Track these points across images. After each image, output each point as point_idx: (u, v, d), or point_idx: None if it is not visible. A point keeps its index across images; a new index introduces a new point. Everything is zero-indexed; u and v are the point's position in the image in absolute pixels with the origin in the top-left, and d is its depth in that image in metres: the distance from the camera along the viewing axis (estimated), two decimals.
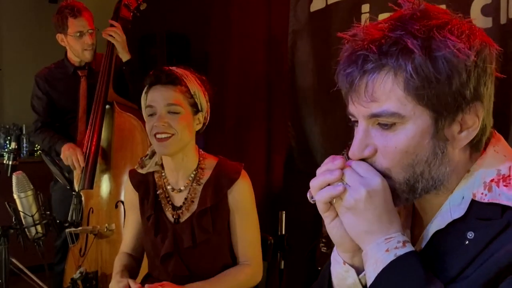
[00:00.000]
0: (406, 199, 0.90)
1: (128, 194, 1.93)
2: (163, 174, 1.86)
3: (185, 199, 1.82)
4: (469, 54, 0.81)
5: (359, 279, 0.95)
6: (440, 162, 0.86)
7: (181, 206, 1.82)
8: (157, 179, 1.86)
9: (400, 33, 0.82)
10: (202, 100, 1.80)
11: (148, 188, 1.86)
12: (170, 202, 1.83)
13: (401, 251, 0.85)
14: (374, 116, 0.85)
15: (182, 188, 1.83)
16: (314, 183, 0.90)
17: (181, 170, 1.82)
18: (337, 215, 0.92)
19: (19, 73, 4.84)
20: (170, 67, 1.81)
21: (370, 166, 0.87)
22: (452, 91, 0.82)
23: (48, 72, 3.09)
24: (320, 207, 0.92)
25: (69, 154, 2.79)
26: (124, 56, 2.86)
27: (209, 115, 1.85)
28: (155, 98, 1.75)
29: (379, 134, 0.87)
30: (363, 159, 0.88)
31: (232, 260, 1.83)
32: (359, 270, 0.95)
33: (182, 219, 1.80)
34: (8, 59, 4.94)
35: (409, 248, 0.86)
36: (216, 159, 1.86)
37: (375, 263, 0.86)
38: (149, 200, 1.84)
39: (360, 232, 0.88)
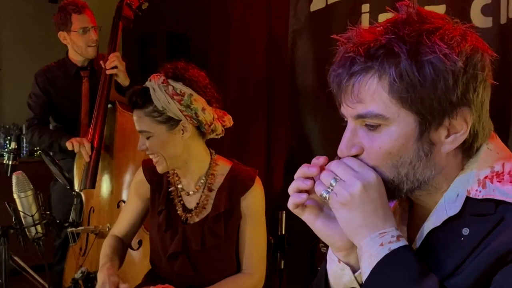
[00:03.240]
0: (392, 196, 0.91)
1: (138, 183, 1.91)
2: (175, 172, 1.86)
3: (197, 204, 1.81)
4: (455, 60, 0.82)
5: (355, 277, 0.96)
6: (424, 165, 0.88)
7: (191, 210, 1.81)
8: (170, 177, 1.86)
9: (390, 37, 0.84)
10: (175, 109, 1.68)
11: (161, 182, 1.86)
12: (181, 202, 1.83)
13: (395, 245, 0.86)
14: (360, 117, 0.88)
15: (191, 192, 1.82)
16: (290, 190, 0.94)
17: (188, 174, 1.81)
18: (317, 217, 0.95)
19: (19, 73, 4.84)
20: (150, 78, 1.73)
21: (362, 162, 0.89)
22: (438, 96, 0.83)
23: (49, 71, 3.05)
24: (294, 211, 0.95)
25: (78, 143, 2.75)
26: (125, 83, 2.83)
27: (203, 114, 1.72)
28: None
29: (365, 134, 0.89)
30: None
31: (237, 265, 1.83)
32: (354, 268, 0.96)
33: (191, 221, 1.80)
34: (8, 59, 4.94)
35: (403, 242, 0.87)
36: (230, 164, 1.84)
37: (370, 258, 0.86)
38: (161, 195, 1.84)
39: (355, 227, 0.88)
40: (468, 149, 0.90)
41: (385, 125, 0.86)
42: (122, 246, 1.92)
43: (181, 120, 1.72)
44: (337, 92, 0.90)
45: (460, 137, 0.87)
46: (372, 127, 0.88)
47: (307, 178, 0.92)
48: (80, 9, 2.89)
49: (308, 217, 0.95)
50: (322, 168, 0.92)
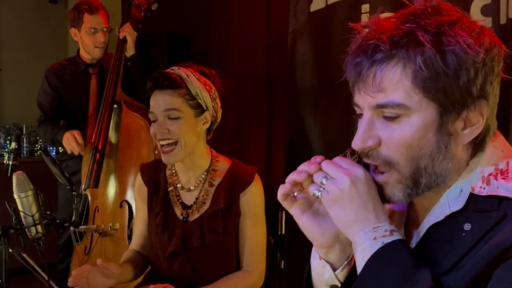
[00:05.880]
0: (408, 195, 0.90)
1: (138, 189, 1.92)
2: (174, 171, 1.86)
3: (196, 199, 1.81)
4: (478, 51, 0.82)
5: (336, 275, 0.97)
6: (443, 157, 0.87)
7: (191, 206, 1.81)
8: (168, 176, 1.86)
9: (412, 26, 0.83)
10: (207, 98, 1.75)
11: (158, 184, 1.86)
12: (180, 200, 1.83)
13: (388, 239, 0.86)
14: (380, 106, 0.86)
15: (192, 187, 1.82)
16: (285, 181, 0.95)
17: (190, 169, 1.82)
18: (304, 212, 0.96)
19: (19, 73, 4.84)
20: (172, 68, 1.77)
21: (351, 160, 0.91)
22: (459, 87, 0.83)
23: (59, 68, 3.12)
24: (283, 203, 0.97)
25: (69, 138, 2.82)
26: (130, 51, 2.91)
27: (220, 111, 1.82)
28: (154, 103, 1.74)
29: (383, 126, 0.88)
30: (372, 152, 0.90)
31: (236, 263, 1.83)
32: (334, 267, 0.98)
33: (191, 218, 1.80)
34: (8, 59, 4.94)
35: (396, 236, 0.87)
36: (229, 162, 1.85)
37: (363, 251, 0.87)
38: (158, 196, 1.84)
39: (347, 222, 0.89)
40: (479, 143, 0.90)
41: (406, 115, 0.85)
42: (139, 256, 1.90)
43: (205, 111, 1.76)
44: (355, 80, 0.88)
45: (476, 130, 0.87)
46: (391, 118, 0.86)
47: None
48: (93, 9, 2.94)
49: (296, 211, 0.97)
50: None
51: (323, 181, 0.90)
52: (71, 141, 2.82)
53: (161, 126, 1.72)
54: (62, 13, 4.83)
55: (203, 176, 1.82)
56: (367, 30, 0.87)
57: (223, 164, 1.84)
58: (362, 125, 0.89)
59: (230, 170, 1.82)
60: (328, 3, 2.79)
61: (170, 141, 1.72)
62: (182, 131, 1.72)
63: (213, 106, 1.78)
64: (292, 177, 0.94)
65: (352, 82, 0.90)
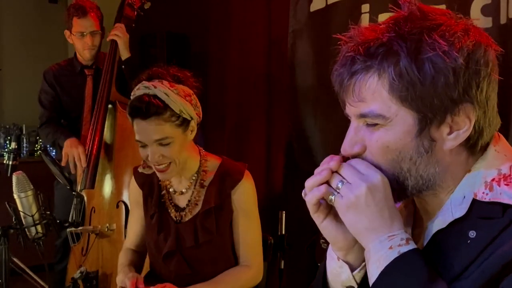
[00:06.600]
0: (397, 197, 0.90)
1: (133, 191, 1.93)
2: None
3: (189, 201, 1.82)
4: (456, 57, 0.81)
5: (353, 276, 0.96)
6: (426, 161, 0.87)
7: (184, 208, 1.82)
8: (161, 181, 1.86)
9: (391, 35, 0.84)
10: (190, 110, 1.69)
11: (152, 187, 1.87)
12: (173, 204, 1.84)
13: (404, 248, 0.85)
14: (363, 116, 0.88)
15: (183, 190, 1.83)
16: (308, 183, 0.92)
17: (182, 174, 1.82)
18: (326, 215, 0.94)
19: (19, 73, 4.84)
20: (147, 87, 1.66)
21: (369, 164, 0.89)
22: (438, 93, 0.83)
23: (57, 68, 3.14)
24: (309, 208, 0.94)
25: (70, 152, 2.80)
26: (124, 54, 2.89)
27: (200, 109, 1.76)
28: (141, 134, 1.69)
29: (367, 132, 0.89)
30: (359, 157, 0.90)
31: (234, 260, 1.84)
32: (353, 267, 0.96)
33: (184, 220, 1.81)
34: (8, 59, 4.94)
35: (412, 245, 0.86)
36: (219, 160, 1.85)
37: (378, 261, 0.86)
38: (153, 199, 1.85)
39: (362, 230, 0.88)
40: (472, 147, 0.89)
41: (385, 124, 0.86)
42: (137, 256, 1.93)
43: (190, 121, 1.72)
44: (339, 91, 0.90)
45: (463, 134, 0.86)
46: (372, 125, 0.88)
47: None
48: (80, 13, 2.93)
49: (318, 216, 0.94)
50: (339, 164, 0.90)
51: (339, 185, 0.88)
52: (75, 154, 2.79)
53: (155, 154, 1.69)
54: (62, 13, 4.82)
55: (193, 178, 1.82)
56: (351, 40, 0.88)
57: (213, 163, 1.84)
58: (349, 132, 0.91)
59: (220, 169, 1.82)
60: (328, 3, 2.79)
61: (165, 164, 1.72)
62: (177, 153, 1.71)
63: (197, 113, 1.73)
64: (316, 178, 0.90)
65: (337, 93, 0.91)
